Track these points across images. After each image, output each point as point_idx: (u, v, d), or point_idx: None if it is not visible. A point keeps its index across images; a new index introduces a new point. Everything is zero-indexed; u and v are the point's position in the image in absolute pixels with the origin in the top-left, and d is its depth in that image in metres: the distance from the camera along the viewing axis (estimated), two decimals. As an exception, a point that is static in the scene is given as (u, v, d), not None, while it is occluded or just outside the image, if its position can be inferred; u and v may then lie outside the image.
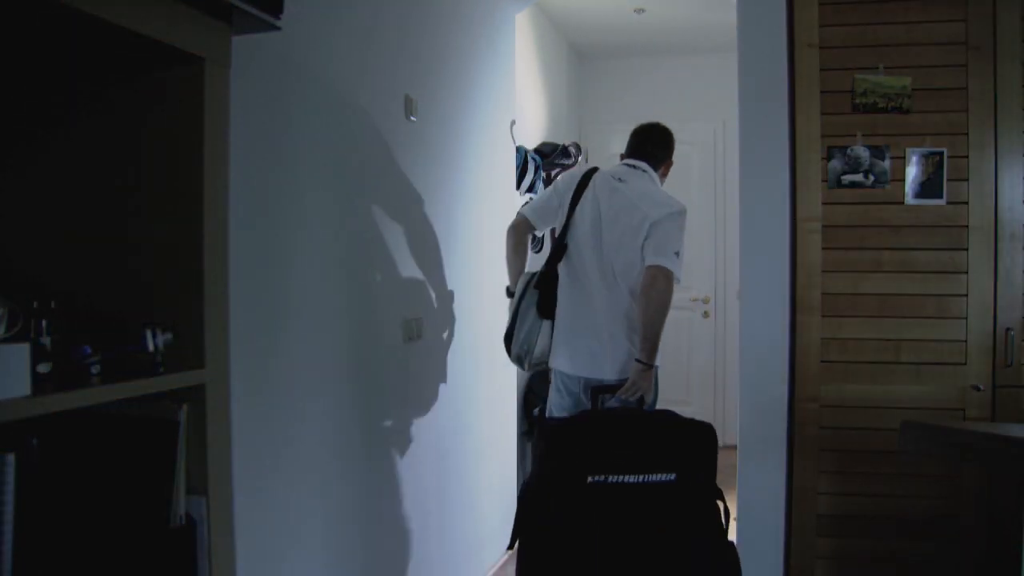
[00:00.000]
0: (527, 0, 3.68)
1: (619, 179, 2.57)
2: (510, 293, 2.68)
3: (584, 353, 2.51)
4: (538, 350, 2.59)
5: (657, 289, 2.35)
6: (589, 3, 4.67)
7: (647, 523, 2.04)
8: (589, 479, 2.03)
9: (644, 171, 2.60)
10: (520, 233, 2.69)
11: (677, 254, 2.40)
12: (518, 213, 2.73)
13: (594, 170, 2.64)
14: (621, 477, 2.04)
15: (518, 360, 2.63)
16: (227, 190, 1.25)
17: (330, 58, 2.07)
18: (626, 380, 2.42)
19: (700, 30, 5.10)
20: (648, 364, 2.39)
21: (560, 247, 2.57)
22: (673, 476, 2.06)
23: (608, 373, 2.47)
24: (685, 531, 2.06)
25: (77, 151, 1.27)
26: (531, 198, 3.88)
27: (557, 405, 2.58)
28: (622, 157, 2.71)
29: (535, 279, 2.60)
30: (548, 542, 2.05)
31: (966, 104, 2.40)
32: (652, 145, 2.68)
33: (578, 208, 2.55)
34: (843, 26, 2.46)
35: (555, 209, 2.63)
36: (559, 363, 2.56)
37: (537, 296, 2.57)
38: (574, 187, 2.59)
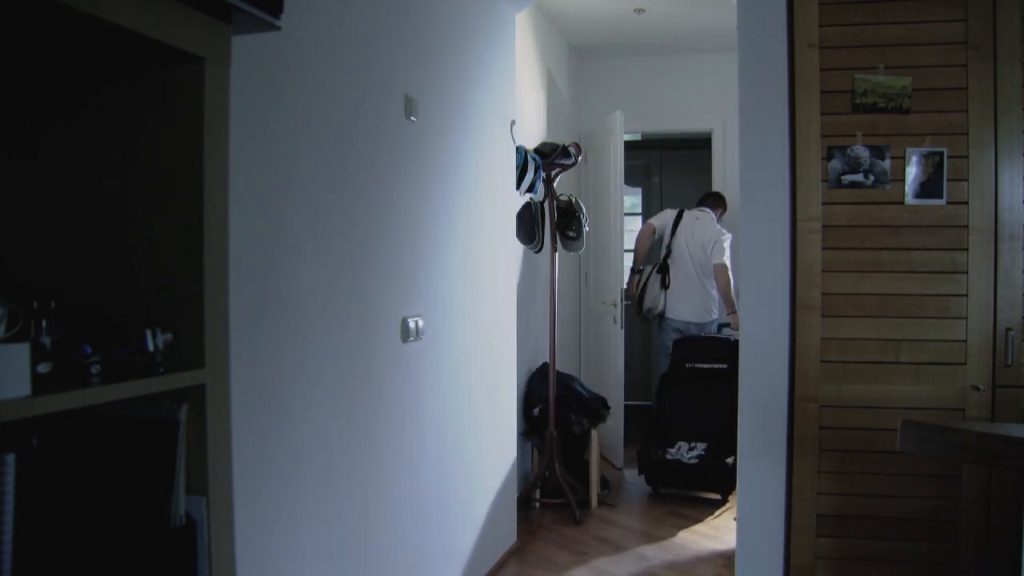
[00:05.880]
0: (527, 0, 3.68)
1: (696, 217, 5.02)
2: (635, 272, 5.17)
3: (683, 307, 5.03)
4: (659, 307, 5.04)
5: (722, 275, 4.89)
6: (589, 3, 4.67)
7: (712, 384, 4.54)
8: (686, 365, 4.64)
9: (707, 212, 5.07)
10: (649, 234, 5.13)
11: (727, 256, 4.87)
12: (647, 223, 5.26)
13: (683, 210, 5.10)
14: (701, 364, 4.60)
15: (647, 312, 5.14)
16: (227, 190, 1.25)
17: (330, 58, 2.07)
18: (704, 321, 5.01)
19: (700, 30, 5.10)
20: (732, 312, 4.82)
21: (668, 251, 5.04)
22: (725, 365, 4.50)
23: (693, 317, 5.02)
24: (725, 388, 4.40)
25: (77, 151, 1.27)
26: (531, 197, 4.05)
27: (668, 336, 5.05)
28: (696, 205, 5.16)
29: (656, 268, 5.10)
30: (669, 392, 4.65)
31: (966, 104, 2.39)
32: (712, 199, 5.16)
33: (677, 231, 5.02)
34: (843, 26, 2.45)
35: (664, 228, 5.11)
36: (672, 313, 5.05)
37: (660, 278, 5.06)
38: (673, 218, 5.07)
